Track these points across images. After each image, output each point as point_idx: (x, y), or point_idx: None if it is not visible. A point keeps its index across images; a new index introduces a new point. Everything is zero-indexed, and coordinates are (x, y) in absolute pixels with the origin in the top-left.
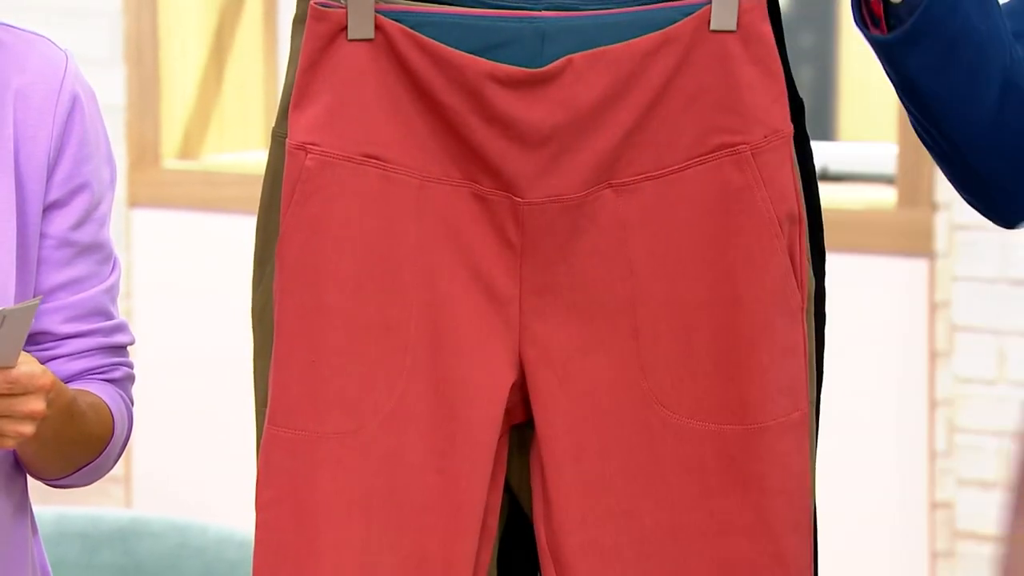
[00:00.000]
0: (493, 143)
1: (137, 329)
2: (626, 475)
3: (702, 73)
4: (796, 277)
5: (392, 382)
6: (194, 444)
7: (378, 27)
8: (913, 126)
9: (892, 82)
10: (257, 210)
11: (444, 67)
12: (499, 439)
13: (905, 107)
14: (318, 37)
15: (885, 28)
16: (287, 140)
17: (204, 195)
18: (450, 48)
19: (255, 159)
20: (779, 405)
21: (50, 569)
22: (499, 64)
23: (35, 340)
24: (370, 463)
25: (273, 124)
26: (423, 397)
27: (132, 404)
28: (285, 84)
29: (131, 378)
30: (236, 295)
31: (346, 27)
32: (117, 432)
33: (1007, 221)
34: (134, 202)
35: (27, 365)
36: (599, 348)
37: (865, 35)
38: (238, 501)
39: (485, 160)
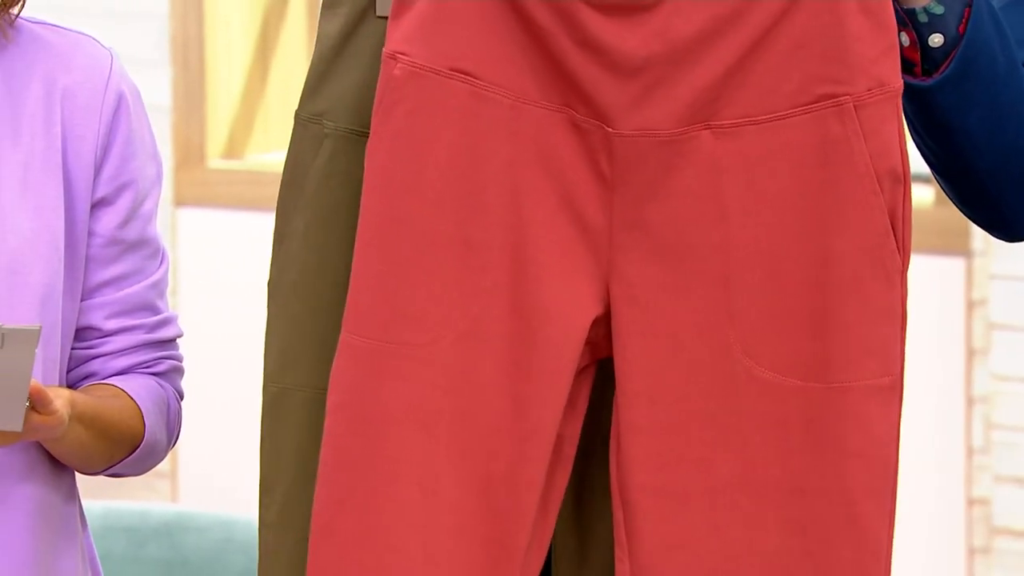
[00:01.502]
0: (586, 69)
1: (182, 327)
2: (703, 422)
3: (810, 19)
4: (897, 240)
5: (468, 301)
6: (239, 440)
7: None
8: (918, 146)
9: (914, 122)
10: None
11: None
12: (582, 371)
13: (920, 142)
14: None
15: (920, 73)
16: (383, 51)
17: (249, 194)
18: None
19: None
20: (865, 367)
21: (99, 561)
22: None
23: (80, 336)
24: (439, 380)
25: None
26: (500, 319)
27: (181, 396)
28: (311, 65)
29: (178, 370)
30: None
31: None
32: (151, 420)
33: (1012, 236)
34: (180, 201)
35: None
36: (686, 291)
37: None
38: None
39: (578, 86)
